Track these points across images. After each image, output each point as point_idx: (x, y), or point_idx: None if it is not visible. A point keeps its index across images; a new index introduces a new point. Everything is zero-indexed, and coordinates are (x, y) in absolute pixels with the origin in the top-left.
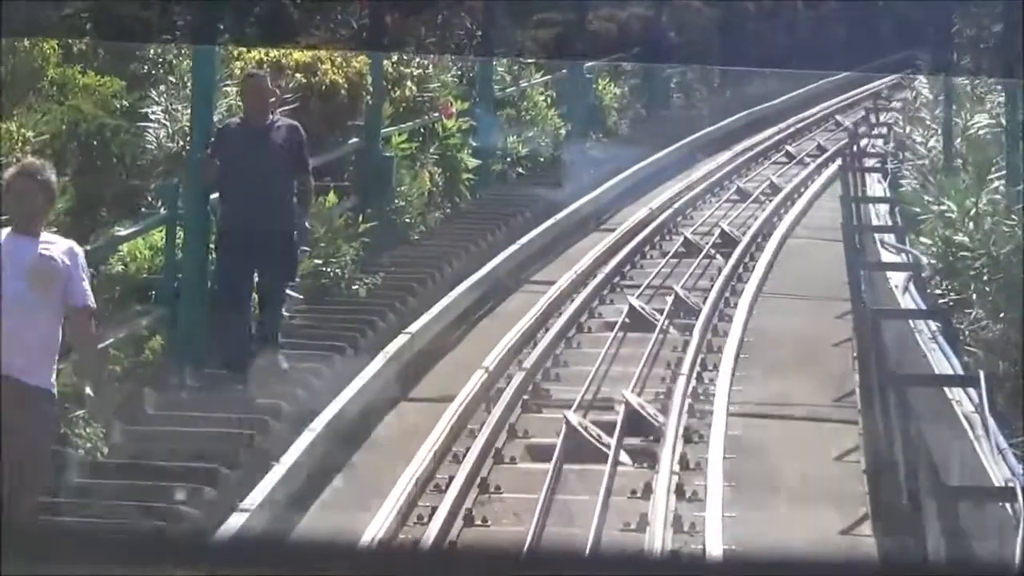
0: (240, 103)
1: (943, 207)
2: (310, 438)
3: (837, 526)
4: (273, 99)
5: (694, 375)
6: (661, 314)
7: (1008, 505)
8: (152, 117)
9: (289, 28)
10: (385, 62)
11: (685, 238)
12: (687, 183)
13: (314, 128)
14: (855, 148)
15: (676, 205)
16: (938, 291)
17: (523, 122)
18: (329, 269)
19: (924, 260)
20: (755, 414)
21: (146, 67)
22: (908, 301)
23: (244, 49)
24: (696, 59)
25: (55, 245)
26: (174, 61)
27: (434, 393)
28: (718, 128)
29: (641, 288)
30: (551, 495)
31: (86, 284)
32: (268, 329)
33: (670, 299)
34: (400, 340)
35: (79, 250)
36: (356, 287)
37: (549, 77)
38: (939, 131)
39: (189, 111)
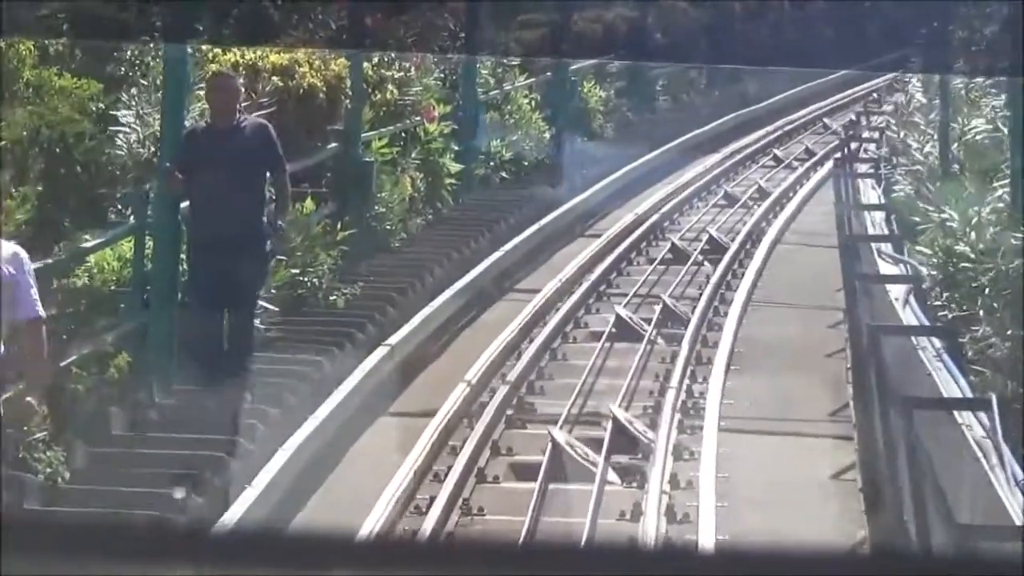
0: (208, 105)
1: (944, 216)
2: (284, 458)
3: (836, 548)
4: (242, 100)
5: (683, 388)
6: (649, 324)
7: None
8: (123, 121)
9: (266, 29)
10: (365, 64)
11: (672, 244)
12: (674, 187)
13: (291, 133)
14: (846, 152)
15: (663, 210)
16: (938, 303)
17: (507, 125)
18: (306, 279)
19: (924, 271)
20: (747, 430)
21: (123, 69)
22: (909, 315)
23: (220, 51)
24: (683, 60)
25: None
26: (150, 62)
27: (415, 408)
28: (705, 131)
29: (628, 297)
30: (537, 517)
31: (35, 293)
32: (241, 343)
33: (658, 308)
34: (379, 353)
35: (25, 255)
36: (334, 297)
37: (533, 80)
38: (935, 136)
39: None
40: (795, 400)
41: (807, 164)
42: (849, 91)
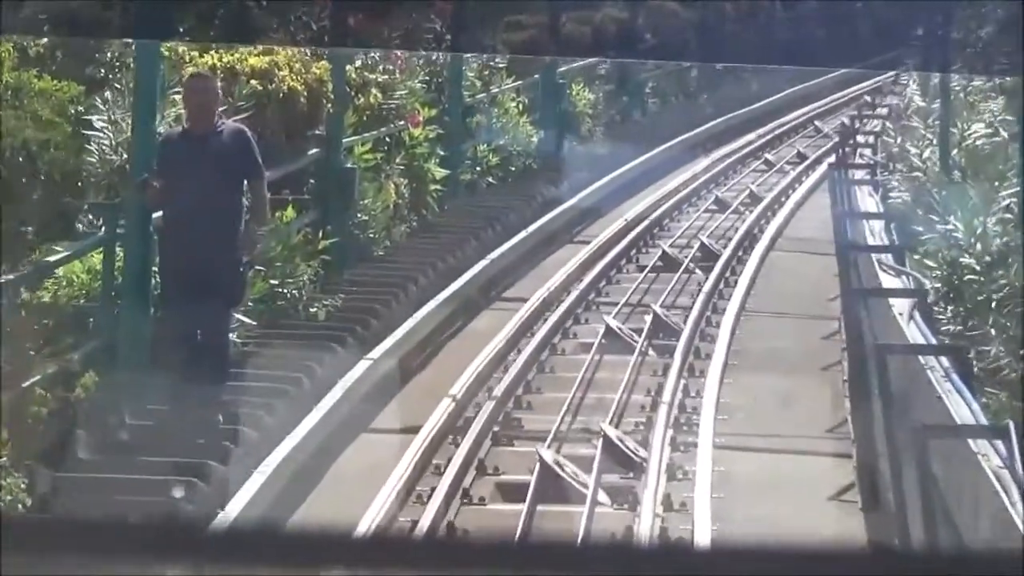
0: (184, 109)
1: (948, 226)
2: (260, 480)
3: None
4: (220, 103)
5: (675, 403)
6: (639, 335)
7: None
8: (98, 125)
9: (245, 30)
10: (348, 67)
11: (663, 251)
12: (664, 192)
13: (271, 138)
14: (841, 157)
15: (653, 216)
16: (941, 317)
17: (494, 130)
18: (285, 290)
19: (927, 284)
20: (742, 447)
21: (103, 70)
22: (913, 330)
23: (196, 53)
24: (672, 60)
25: None
26: (129, 63)
27: (397, 424)
28: (695, 135)
29: (618, 307)
30: (525, 540)
31: None
32: (216, 360)
33: (648, 318)
34: (361, 367)
35: None
36: (314, 309)
37: (521, 83)
38: (934, 140)
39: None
40: (791, 416)
41: (799, 168)
42: (840, 93)
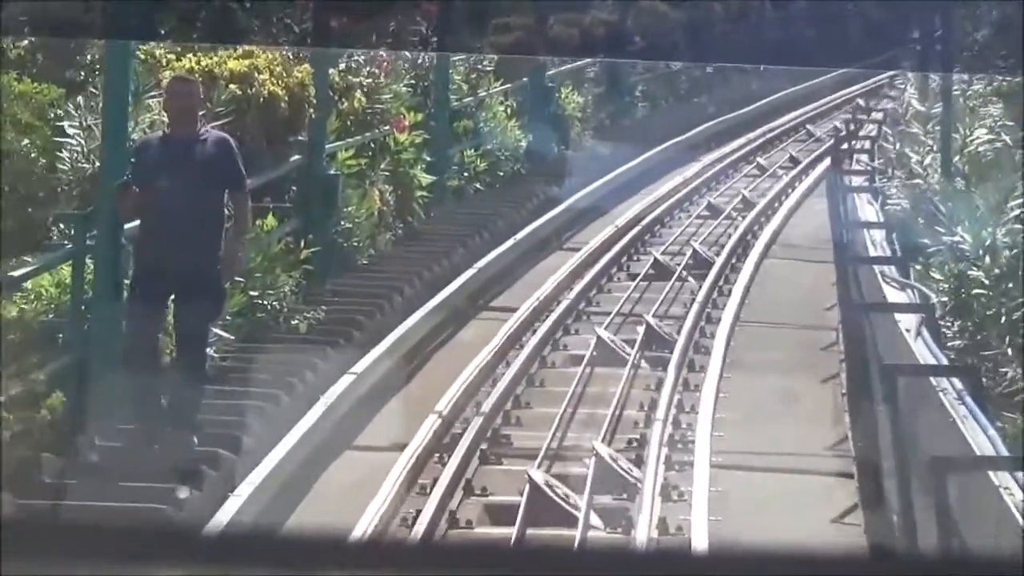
0: (165, 114)
1: (956, 237)
2: (236, 505)
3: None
4: (202, 109)
5: (670, 419)
6: (632, 346)
7: None
8: (70, 132)
9: (226, 32)
10: (331, 71)
11: (655, 259)
12: (655, 197)
13: (251, 144)
14: (837, 163)
15: (644, 222)
16: (948, 332)
17: (481, 134)
18: (265, 302)
19: (934, 298)
20: (740, 466)
21: (83, 73)
22: (921, 347)
23: (174, 56)
24: (663, 60)
25: None
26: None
27: (382, 441)
28: (686, 138)
29: (610, 317)
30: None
31: None
32: (191, 378)
33: (641, 329)
34: (344, 382)
35: None
36: (295, 322)
37: (509, 86)
38: (934, 147)
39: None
40: (790, 432)
41: (792, 173)
42: (833, 96)
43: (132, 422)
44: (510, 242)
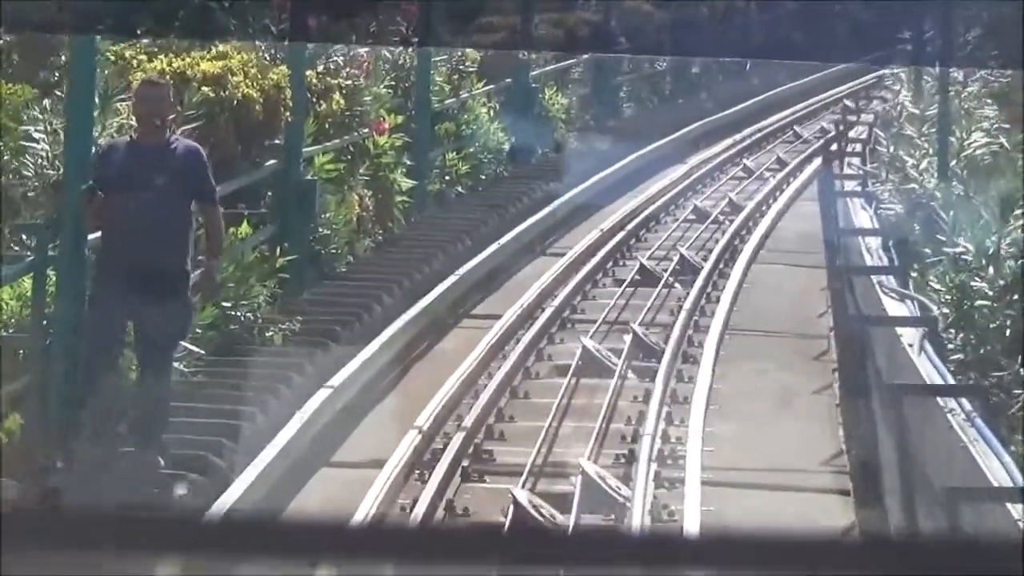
0: (133, 118)
1: (958, 248)
2: None
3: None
4: (173, 114)
5: (659, 433)
6: (618, 356)
7: None
8: (36, 136)
9: (202, 30)
10: (309, 72)
11: (641, 265)
12: (641, 200)
13: (224, 149)
14: (827, 165)
15: (630, 226)
16: (949, 345)
17: (463, 136)
18: (239, 313)
19: (935, 309)
20: (732, 483)
21: (57, 74)
22: (925, 362)
23: (145, 58)
24: (646, 62)
25: None
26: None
27: (360, 458)
28: (671, 140)
29: (595, 325)
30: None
31: None
32: (156, 396)
33: (628, 338)
34: (320, 396)
35: None
36: (270, 333)
37: (492, 87)
38: (930, 150)
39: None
40: (783, 447)
41: (779, 175)
42: (821, 96)
43: (94, 444)
44: (493, 247)
